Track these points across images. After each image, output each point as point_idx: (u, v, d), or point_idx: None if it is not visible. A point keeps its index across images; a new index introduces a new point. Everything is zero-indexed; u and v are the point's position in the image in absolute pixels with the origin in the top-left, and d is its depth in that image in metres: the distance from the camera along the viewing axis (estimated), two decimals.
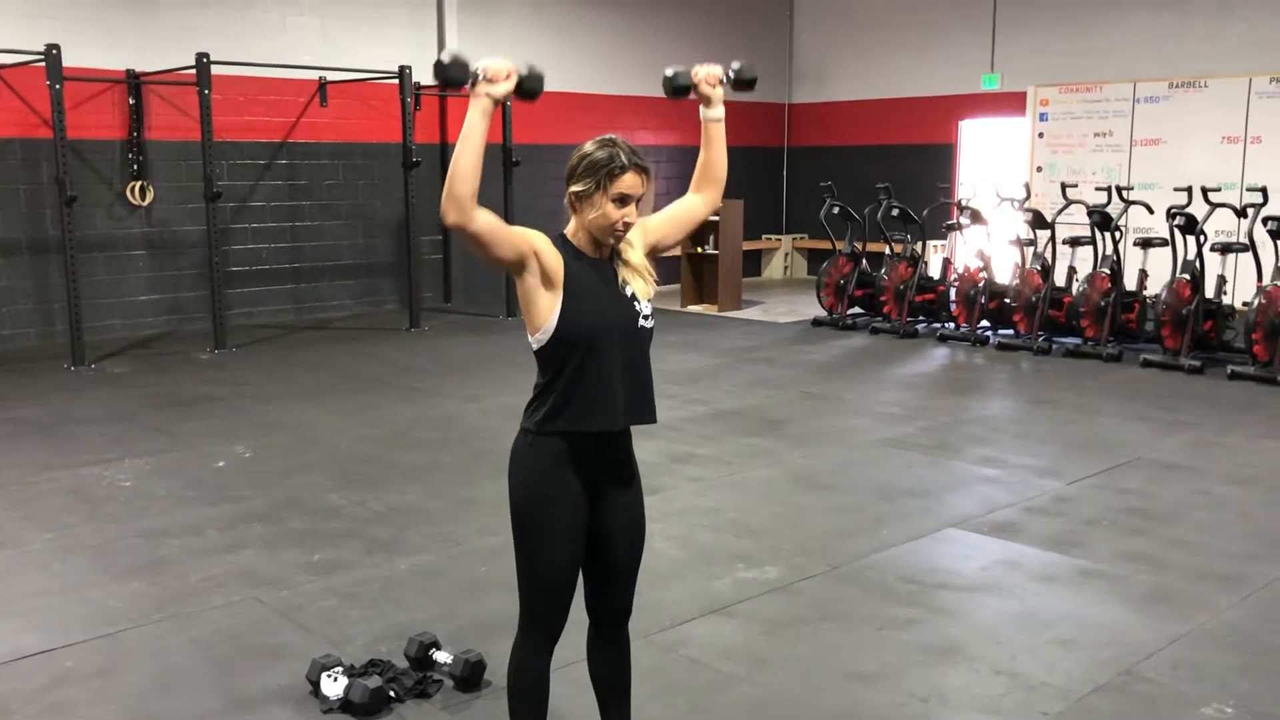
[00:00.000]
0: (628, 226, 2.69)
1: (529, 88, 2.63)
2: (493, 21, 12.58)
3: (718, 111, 2.94)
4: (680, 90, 2.87)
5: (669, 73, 2.87)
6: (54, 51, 8.57)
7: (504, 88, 2.58)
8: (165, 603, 4.33)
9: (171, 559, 4.80)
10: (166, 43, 10.24)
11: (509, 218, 12.02)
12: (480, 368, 9.11)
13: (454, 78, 2.56)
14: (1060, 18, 12.82)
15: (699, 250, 12.57)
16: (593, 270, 2.70)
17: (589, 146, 2.68)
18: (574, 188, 2.67)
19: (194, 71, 9.38)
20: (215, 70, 9.52)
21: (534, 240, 2.64)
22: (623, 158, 2.63)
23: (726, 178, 3.00)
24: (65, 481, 5.92)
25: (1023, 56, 13.12)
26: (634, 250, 2.77)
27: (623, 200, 2.64)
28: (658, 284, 2.82)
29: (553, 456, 2.68)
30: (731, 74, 2.95)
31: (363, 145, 11.83)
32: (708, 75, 2.89)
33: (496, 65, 2.56)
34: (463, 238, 2.59)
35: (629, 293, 2.72)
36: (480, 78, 2.54)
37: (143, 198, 10.43)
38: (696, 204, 2.96)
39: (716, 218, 12.23)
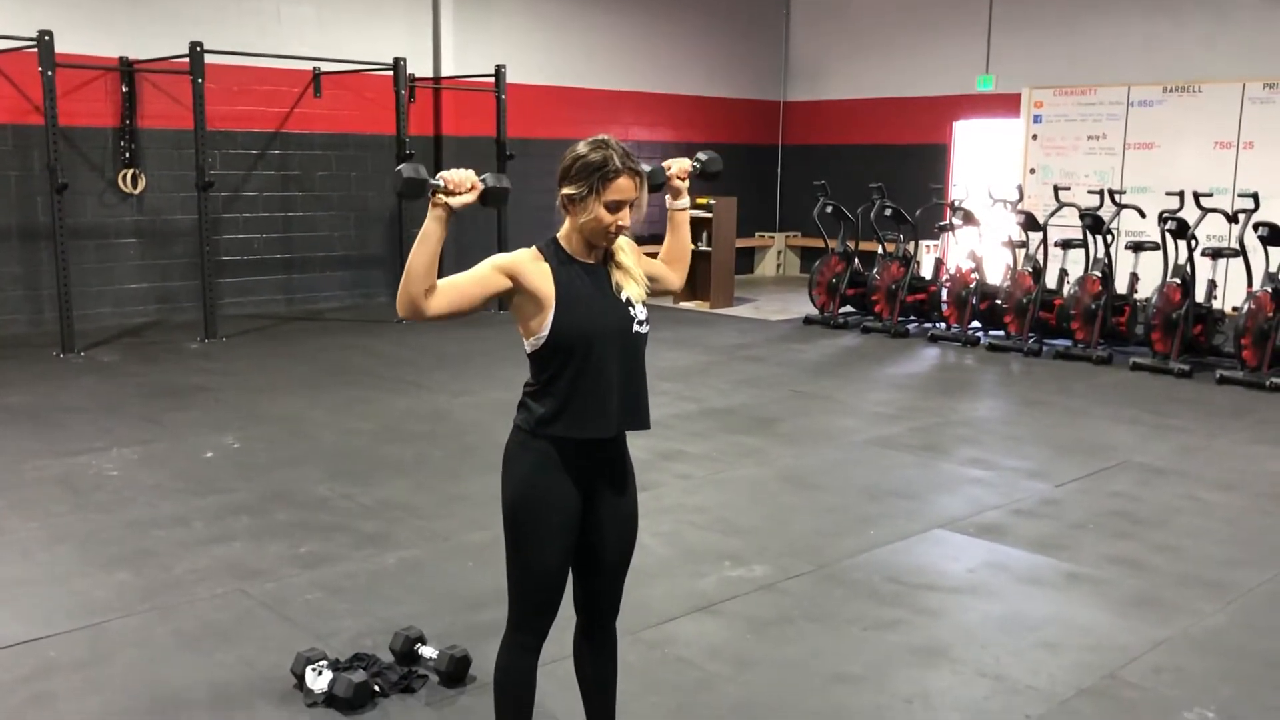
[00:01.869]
0: (620, 230, 2.68)
1: (494, 199, 2.59)
2: (487, 15, 12.54)
3: (683, 202, 3.04)
4: (656, 187, 2.89)
5: (645, 169, 2.86)
6: (46, 38, 8.53)
7: (466, 199, 2.57)
8: (150, 594, 4.32)
9: (158, 550, 4.79)
10: (160, 30, 10.20)
11: (500, 211, 11.91)
12: (471, 362, 9.10)
13: (411, 192, 2.50)
14: (1056, 20, 12.83)
15: (692, 247, 12.53)
16: (586, 276, 2.68)
17: (582, 148, 2.65)
18: (566, 190, 2.64)
19: (188, 60, 9.35)
20: (209, 59, 9.50)
21: (509, 268, 2.63)
22: (616, 161, 2.61)
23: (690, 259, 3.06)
24: (52, 470, 5.90)
25: (1018, 58, 13.14)
26: (626, 253, 2.77)
27: (616, 205, 2.63)
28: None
29: (547, 457, 2.68)
30: (697, 165, 3.02)
31: (356, 136, 11.80)
32: (679, 170, 2.96)
33: (459, 176, 2.54)
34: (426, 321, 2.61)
35: (624, 298, 2.71)
36: (441, 187, 2.53)
37: (134, 186, 10.39)
38: (669, 276, 3.02)
39: (710, 215, 12.25)
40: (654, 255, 3.03)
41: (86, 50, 9.82)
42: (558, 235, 2.72)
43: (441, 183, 2.53)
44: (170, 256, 10.74)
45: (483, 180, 2.57)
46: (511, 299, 2.65)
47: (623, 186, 2.62)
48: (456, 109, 12.34)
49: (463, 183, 2.55)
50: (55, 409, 7.21)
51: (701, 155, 3.04)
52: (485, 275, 2.63)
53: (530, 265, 2.64)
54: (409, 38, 11.98)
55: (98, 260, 10.29)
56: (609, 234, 2.66)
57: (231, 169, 10.98)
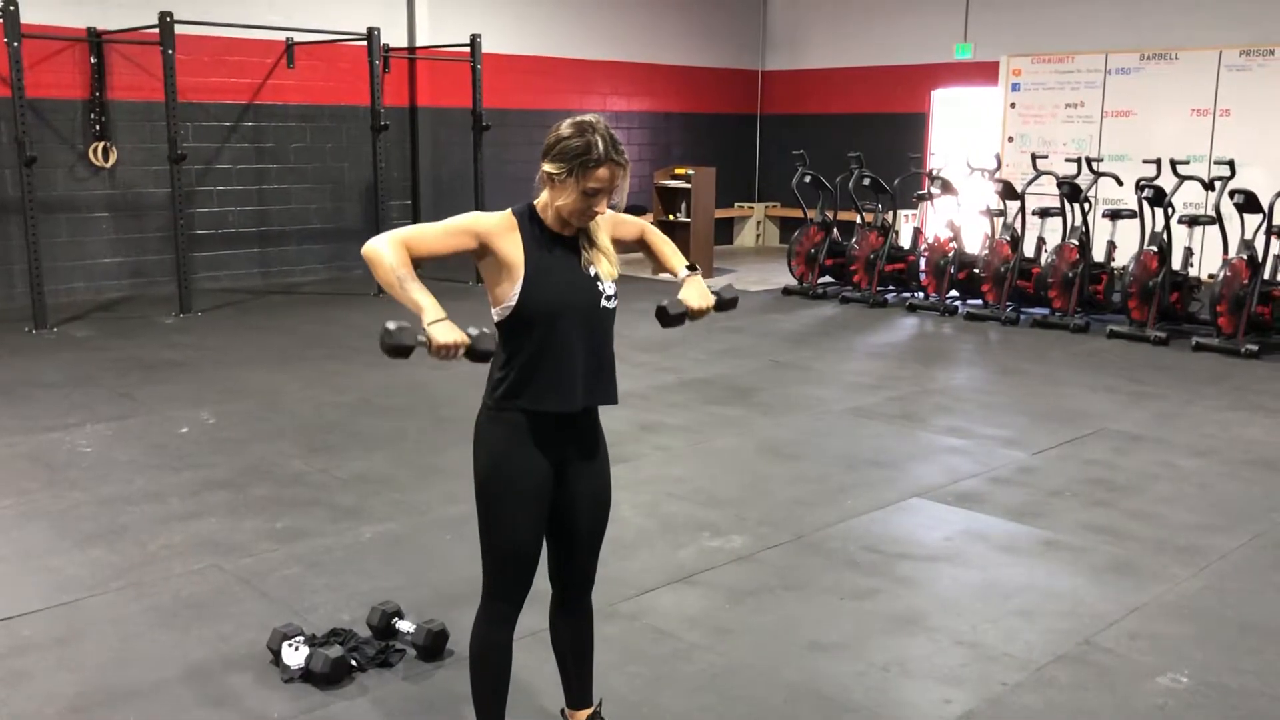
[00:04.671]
0: (594, 215, 2.65)
1: (479, 358, 2.58)
2: None
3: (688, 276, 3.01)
4: (676, 320, 2.88)
5: (664, 303, 2.87)
6: (11, 7, 8.38)
7: (450, 352, 2.54)
8: (125, 570, 4.29)
9: (132, 526, 4.75)
10: (129, 0, 10.03)
11: (477, 182, 11.75)
12: None
13: (402, 344, 2.52)
14: None
15: (671, 217, 12.51)
16: (557, 249, 2.66)
17: (566, 130, 2.59)
18: (547, 167, 2.60)
19: (157, 30, 9.20)
20: (179, 29, 9.34)
21: (481, 232, 2.61)
22: (599, 150, 2.55)
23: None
24: (25, 447, 5.84)
25: (996, 26, 13.09)
26: (602, 232, 2.74)
27: (593, 192, 2.58)
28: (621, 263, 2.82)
29: (515, 429, 2.67)
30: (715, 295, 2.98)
31: (330, 108, 11.67)
32: (702, 307, 2.92)
33: (444, 341, 2.51)
34: None
35: (592, 273, 2.69)
36: (425, 346, 2.52)
37: (106, 159, 10.26)
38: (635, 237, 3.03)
39: (688, 185, 12.20)
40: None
41: (53, 20, 9.66)
42: (535, 203, 2.69)
43: (429, 344, 2.51)
44: (143, 230, 10.61)
45: (468, 334, 2.54)
46: (481, 259, 2.64)
47: (602, 176, 2.57)
48: (432, 79, 12.21)
49: (449, 349, 2.52)
50: (28, 384, 7.13)
51: (718, 288, 2.99)
52: (454, 231, 2.62)
53: (503, 232, 2.62)
54: (383, 7, 11.82)
55: (69, 234, 10.16)
56: (584, 217, 2.64)
57: (204, 141, 10.85)
